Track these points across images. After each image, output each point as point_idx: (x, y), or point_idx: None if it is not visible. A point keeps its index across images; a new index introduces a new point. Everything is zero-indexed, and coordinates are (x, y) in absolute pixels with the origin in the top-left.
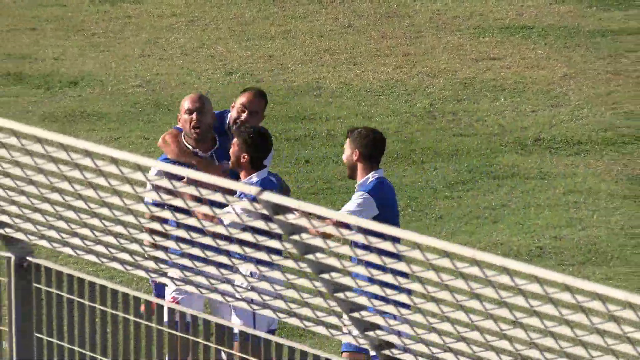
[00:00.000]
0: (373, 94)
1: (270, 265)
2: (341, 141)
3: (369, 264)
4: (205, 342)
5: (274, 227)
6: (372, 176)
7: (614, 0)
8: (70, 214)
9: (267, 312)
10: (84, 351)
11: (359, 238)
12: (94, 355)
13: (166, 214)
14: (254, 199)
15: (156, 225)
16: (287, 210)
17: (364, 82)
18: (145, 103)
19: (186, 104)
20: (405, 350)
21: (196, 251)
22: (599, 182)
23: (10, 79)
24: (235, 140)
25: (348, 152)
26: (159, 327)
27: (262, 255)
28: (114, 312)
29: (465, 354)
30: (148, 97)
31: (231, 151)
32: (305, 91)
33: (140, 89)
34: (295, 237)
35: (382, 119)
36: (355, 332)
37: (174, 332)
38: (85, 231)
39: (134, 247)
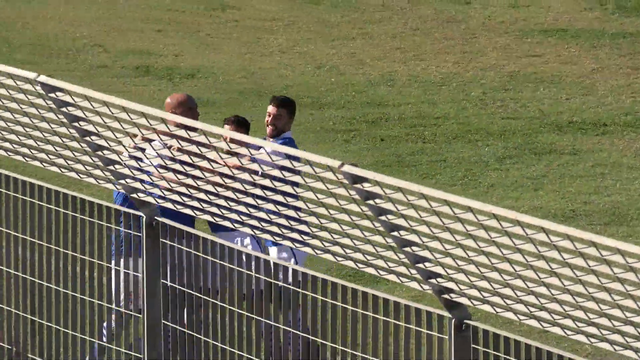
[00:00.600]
0: (436, 85)
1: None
2: (410, 123)
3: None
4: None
5: (353, 194)
6: None
7: (634, 8)
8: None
9: (349, 263)
10: (201, 296)
11: (423, 203)
12: (209, 299)
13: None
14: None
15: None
16: (363, 179)
17: (429, 74)
18: (249, 92)
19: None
20: (462, 295)
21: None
22: (620, 157)
23: (139, 72)
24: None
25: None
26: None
27: (344, 216)
28: (223, 263)
29: (511, 297)
30: (251, 87)
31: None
32: (380, 82)
33: (245, 80)
34: (370, 202)
35: (443, 106)
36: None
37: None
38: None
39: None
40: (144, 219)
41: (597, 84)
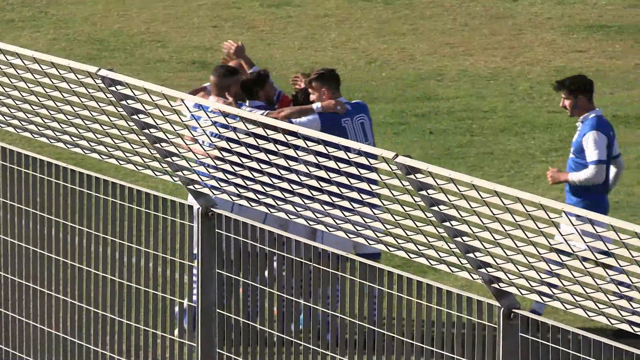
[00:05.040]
0: (484, 79)
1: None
2: (459, 116)
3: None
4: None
5: (406, 185)
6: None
7: None
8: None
9: (401, 253)
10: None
11: (474, 194)
12: (265, 288)
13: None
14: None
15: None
16: (417, 170)
17: (477, 69)
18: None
19: None
20: (510, 284)
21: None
22: None
23: (196, 66)
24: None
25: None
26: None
27: (397, 207)
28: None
29: (558, 287)
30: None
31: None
32: (430, 77)
33: None
34: (423, 192)
35: (491, 99)
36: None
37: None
38: (257, 186)
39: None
40: (199, 210)
41: None
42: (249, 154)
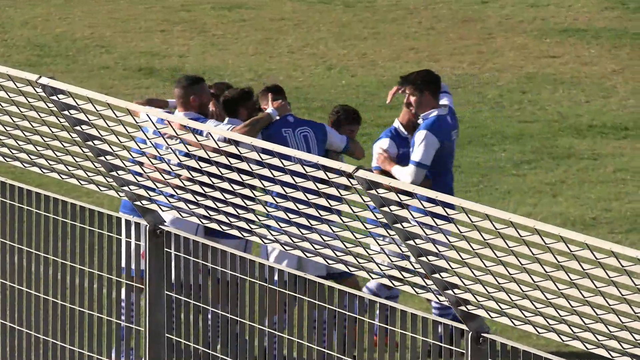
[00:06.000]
0: (451, 87)
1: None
2: None
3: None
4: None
5: (367, 200)
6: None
7: None
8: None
9: (362, 274)
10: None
11: (440, 210)
12: (216, 310)
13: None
14: None
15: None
16: (379, 185)
17: (443, 76)
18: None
19: None
20: (479, 307)
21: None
22: None
23: (142, 73)
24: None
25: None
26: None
27: (358, 225)
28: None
29: (529, 309)
30: (259, 88)
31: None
32: (393, 84)
33: (253, 82)
34: (385, 208)
35: (457, 108)
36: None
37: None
38: (208, 202)
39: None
40: (146, 227)
41: (618, 86)
42: (200, 167)
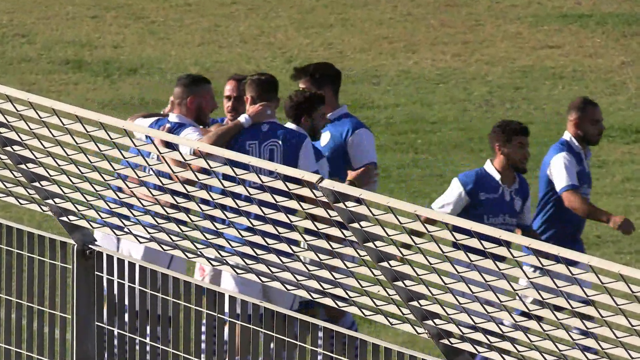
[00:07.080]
0: (431, 82)
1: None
2: (399, 129)
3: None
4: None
5: (334, 215)
6: None
7: None
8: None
9: (327, 301)
10: (144, 340)
11: (419, 227)
12: (154, 344)
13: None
14: None
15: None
16: (347, 197)
17: (422, 69)
18: None
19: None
20: (463, 339)
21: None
22: None
23: (70, 66)
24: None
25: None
26: (220, 315)
27: (322, 243)
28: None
29: (523, 343)
30: None
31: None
32: (363, 79)
33: None
34: (355, 225)
35: (440, 107)
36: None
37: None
38: (147, 218)
39: (195, 233)
40: (74, 247)
41: (628, 81)
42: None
